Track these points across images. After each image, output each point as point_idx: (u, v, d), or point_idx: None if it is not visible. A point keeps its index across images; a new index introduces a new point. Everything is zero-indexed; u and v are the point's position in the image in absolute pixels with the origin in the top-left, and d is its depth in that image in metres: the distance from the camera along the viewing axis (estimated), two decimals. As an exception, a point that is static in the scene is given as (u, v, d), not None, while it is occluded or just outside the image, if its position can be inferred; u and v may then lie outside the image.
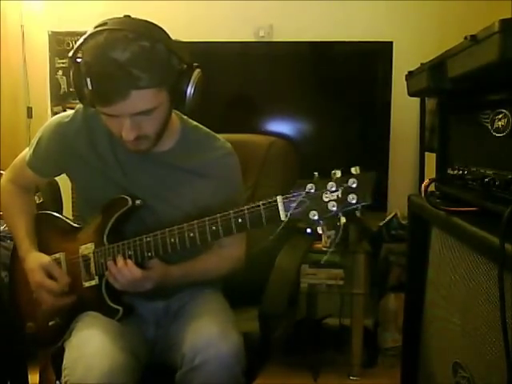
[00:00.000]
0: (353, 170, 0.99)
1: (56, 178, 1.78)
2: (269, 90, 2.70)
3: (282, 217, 1.03)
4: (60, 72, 2.84)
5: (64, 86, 2.84)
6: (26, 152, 1.42)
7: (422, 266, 1.36)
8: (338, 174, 1.00)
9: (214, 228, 1.12)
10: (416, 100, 2.62)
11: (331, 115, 2.70)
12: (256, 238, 1.38)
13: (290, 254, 1.65)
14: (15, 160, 1.47)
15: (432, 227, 1.31)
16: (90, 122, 1.31)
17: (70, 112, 1.35)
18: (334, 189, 1.00)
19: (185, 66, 1.16)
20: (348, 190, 0.99)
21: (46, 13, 2.86)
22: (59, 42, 2.81)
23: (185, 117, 1.37)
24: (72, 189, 1.47)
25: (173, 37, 1.17)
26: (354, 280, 2.37)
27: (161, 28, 1.15)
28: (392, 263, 2.50)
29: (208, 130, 1.39)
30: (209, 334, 1.19)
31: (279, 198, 1.04)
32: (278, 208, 1.04)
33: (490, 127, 1.04)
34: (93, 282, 1.29)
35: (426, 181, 1.23)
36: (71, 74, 1.14)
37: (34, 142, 1.39)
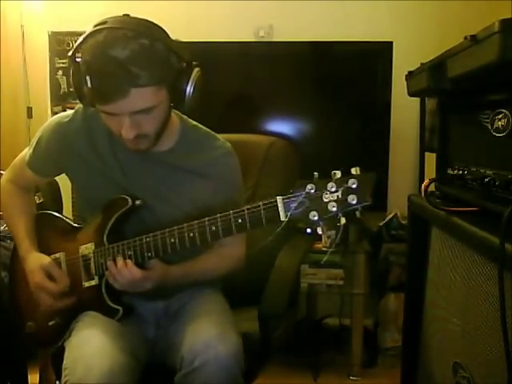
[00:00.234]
0: (353, 171, 0.99)
1: (56, 178, 1.78)
2: (269, 90, 2.70)
3: (282, 217, 1.03)
4: (60, 72, 2.84)
5: (64, 85, 2.84)
6: (26, 152, 1.42)
7: (422, 266, 1.36)
8: (338, 174, 1.00)
9: (213, 228, 1.12)
10: (416, 100, 2.62)
11: (331, 115, 2.70)
12: (256, 238, 1.38)
13: (289, 254, 1.65)
14: (15, 160, 1.47)
15: (432, 227, 1.31)
16: (90, 122, 1.31)
17: (69, 112, 1.35)
18: (334, 189, 1.00)
19: (184, 65, 1.16)
20: (348, 191, 0.99)
21: (46, 13, 2.86)
22: (59, 41, 2.81)
23: (184, 116, 1.37)
24: (72, 189, 1.47)
25: (173, 37, 1.17)
26: (354, 280, 2.37)
27: (160, 27, 1.15)
28: (392, 263, 2.50)
29: (208, 129, 1.39)
30: (207, 335, 1.18)
31: (279, 199, 1.04)
32: (277, 208, 1.04)
33: (489, 127, 1.04)
34: (93, 282, 1.30)
35: (426, 181, 1.23)
36: (71, 72, 1.14)
37: (33, 142, 1.39)
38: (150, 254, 1.20)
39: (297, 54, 2.68)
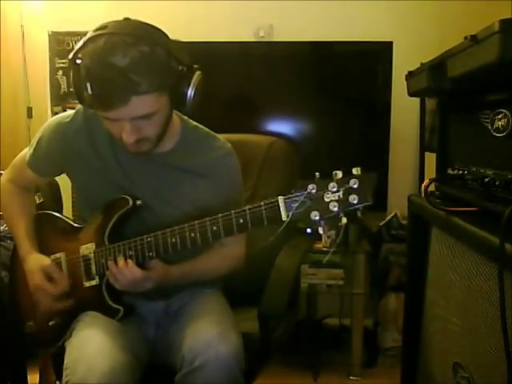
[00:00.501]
0: (354, 171, 1.00)
1: (56, 178, 1.78)
2: (269, 90, 2.70)
3: (284, 217, 1.03)
4: (60, 72, 2.84)
5: (64, 86, 2.84)
6: (26, 152, 1.41)
7: (422, 266, 1.36)
8: (339, 174, 1.00)
9: (215, 228, 1.12)
10: (416, 100, 2.62)
11: (331, 115, 2.70)
12: (256, 238, 1.38)
13: (289, 255, 1.65)
14: (15, 160, 1.47)
15: (432, 227, 1.31)
16: (91, 123, 1.31)
17: (70, 112, 1.35)
18: (335, 189, 1.00)
19: (185, 69, 1.16)
20: (349, 191, 0.99)
21: (46, 13, 2.86)
22: (59, 41, 2.81)
23: (185, 117, 1.37)
24: (72, 189, 1.47)
25: (173, 37, 1.16)
26: (354, 280, 2.37)
27: (160, 30, 1.14)
28: (392, 263, 2.50)
29: (208, 130, 1.39)
30: (208, 335, 1.19)
31: (280, 199, 1.04)
32: (279, 208, 1.04)
33: (490, 127, 1.04)
34: (93, 282, 1.30)
35: (426, 181, 1.23)
36: (71, 76, 1.14)
37: (33, 142, 1.38)
38: (151, 254, 1.20)
39: (297, 53, 2.68)
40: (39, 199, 1.91)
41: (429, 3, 2.64)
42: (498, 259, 0.88)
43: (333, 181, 1.00)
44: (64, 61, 2.78)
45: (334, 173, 1.01)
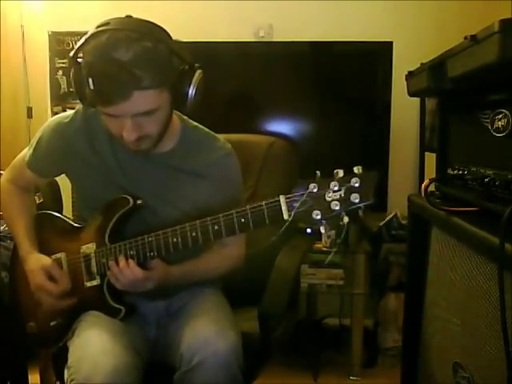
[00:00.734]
0: (355, 170, 1.00)
1: (56, 178, 1.77)
2: (269, 90, 2.70)
3: (285, 216, 1.03)
4: (60, 72, 2.84)
5: (64, 86, 2.84)
6: (25, 152, 1.41)
7: (422, 266, 1.36)
8: (341, 173, 1.00)
9: (216, 227, 1.12)
10: (416, 100, 2.62)
11: (331, 115, 2.70)
12: (256, 238, 1.38)
13: (289, 255, 1.65)
14: (14, 160, 1.47)
15: (432, 227, 1.31)
16: (90, 122, 1.31)
17: (69, 112, 1.35)
18: (336, 188, 1.00)
19: (186, 67, 1.16)
20: (351, 190, 0.99)
21: (46, 13, 2.86)
22: (59, 41, 2.81)
23: (185, 117, 1.37)
24: (72, 189, 1.47)
25: (173, 37, 1.17)
26: (354, 280, 2.37)
27: (162, 28, 1.15)
28: (392, 263, 2.50)
29: (208, 130, 1.39)
30: (206, 333, 1.19)
31: (282, 198, 1.04)
32: (280, 208, 1.04)
33: (489, 127, 1.04)
34: (94, 282, 1.29)
35: (426, 181, 1.23)
36: (71, 73, 1.14)
37: (33, 142, 1.38)
38: (152, 254, 1.20)
39: (296, 53, 2.68)
40: (39, 199, 1.91)
41: (428, 3, 2.64)
42: (498, 259, 0.88)
43: (334, 180, 1.00)
44: (64, 61, 2.78)
45: (335, 172, 1.01)
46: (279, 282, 1.50)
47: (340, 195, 1.00)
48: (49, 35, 2.82)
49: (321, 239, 2.30)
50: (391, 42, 2.57)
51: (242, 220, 1.09)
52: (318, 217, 1.01)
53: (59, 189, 2.11)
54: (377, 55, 2.63)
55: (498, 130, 1.01)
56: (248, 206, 1.08)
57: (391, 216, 2.51)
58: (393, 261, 2.50)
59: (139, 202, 1.27)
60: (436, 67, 1.17)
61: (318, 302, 2.74)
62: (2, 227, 1.92)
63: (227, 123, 1.79)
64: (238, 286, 1.47)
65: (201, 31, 2.69)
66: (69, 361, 1.21)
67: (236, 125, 2.22)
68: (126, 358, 1.16)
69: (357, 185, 0.98)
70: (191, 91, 1.16)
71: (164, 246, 1.18)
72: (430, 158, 2.41)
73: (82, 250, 1.32)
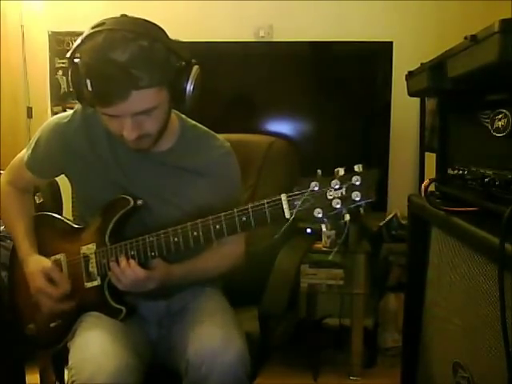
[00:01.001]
0: (356, 168, 1.00)
1: (56, 178, 1.77)
2: (269, 90, 2.70)
3: (287, 215, 1.03)
4: (60, 72, 2.84)
5: (64, 86, 2.84)
6: (24, 153, 1.41)
7: (422, 266, 1.36)
8: (342, 171, 1.00)
9: (218, 227, 1.12)
10: (416, 100, 2.62)
11: (331, 115, 2.70)
12: (256, 237, 1.39)
13: (289, 254, 1.65)
14: (13, 161, 1.46)
15: (432, 227, 1.31)
16: (89, 122, 1.30)
17: (68, 112, 1.35)
18: (337, 186, 1.00)
19: (183, 64, 1.16)
20: (352, 188, 0.99)
21: (46, 13, 2.86)
22: (59, 42, 2.81)
23: (183, 116, 1.37)
24: (72, 189, 1.47)
25: (173, 37, 1.17)
26: (353, 280, 2.37)
27: (158, 26, 1.15)
28: (392, 263, 2.50)
29: (207, 129, 1.39)
30: (213, 341, 1.18)
31: (283, 197, 1.04)
32: (282, 206, 1.04)
33: (490, 127, 1.04)
34: (95, 283, 1.29)
35: (426, 181, 1.23)
36: (70, 74, 1.14)
37: (32, 143, 1.38)
38: (153, 254, 1.20)
39: (297, 54, 2.68)
40: (39, 200, 1.91)
41: (429, 3, 2.64)
42: (498, 259, 0.88)
43: (335, 178, 1.00)
44: (64, 61, 2.78)
45: (336, 170, 1.01)
46: (279, 281, 1.50)
47: (341, 193, 1.00)
48: (49, 35, 2.82)
49: (321, 239, 2.30)
50: (391, 42, 2.57)
51: (244, 219, 1.08)
52: (320, 215, 1.01)
53: (59, 189, 2.11)
54: (377, 55, 2.63)
55: (498, 130, 1.01)
56: (249, 205, 1.08)
57: (391, 216, 2.51)
58: (393, 261, 2.50)
59: (139, 202, 1.27)
60: (436, 67, 1.17)
61: (318, 302, 2.74)
62: (1, 227, 1.92)
63: (227, 123, 1.79)
64: (238, 286, 1.47)
65: (201, 31, 2.69)
66: (70, 362, 1.21)
67: (236, 125, 2.23)
68: (127, 359, 1.16)
69: (358, 183, 0.99)
70: (189, 87, 1.16)
71: (165, 245, 1.18)
72: (430, 158, 2.40)
73: (81, 251, 1.31)
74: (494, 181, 1.00)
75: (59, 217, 1.46)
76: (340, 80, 2.67)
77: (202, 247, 1.31)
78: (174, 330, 1.33)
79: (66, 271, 1.34)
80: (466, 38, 0.96)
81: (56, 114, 1.47)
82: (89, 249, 1.30)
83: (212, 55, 2.54)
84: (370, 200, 0.99)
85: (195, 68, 1.17)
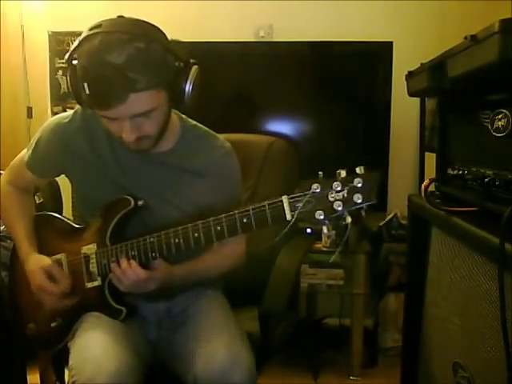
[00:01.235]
0: (357, 170, 0.99)
1: (56, 178, 1.77)
2: (269, 90, 2.70)
3: (288, 217, 1.03)
4: (60, 72, 2.84)
5: (64, 86, 2.84)
6: (24, 153, 1.41)
7: (422, 266, 1.36)
8: (343, 173, 1.00)
9: (218, 228, 1.11)
10: (416, 100, 2.62)
11: (331, 115, 2.70)
12: (258, 237, 1.38)
13: (290, 254, 1.65)
14: (13, 161, 1.46)
15: (432, 227, 1.31)
16: (89, 122, 1.30)
17: (68, 113, 1.35)
18: (339, 188, 1.00)
19: (182, 64, 1.15)
20: (354, 190, 0.99)
21: (46, 13, 2.86)
22: (59, 42, 2.81)
23: (184, 116, 1.37)
24: (72, 189, 1.47)
25: (173, 37, 1.16)
26: (353, 280, 2.37)
27: (156, 27, 1.14)
28: (392, 263, 2.50)
29: (207, 129, 1.39)
30: (221, 361, 1.16)
31: (285, 198, 1.04)
32: (283, 208, 1.03)
33: (490, 127, 1.04)
34: (95, 283, 1.29)
35: (426, 181, 1.23)
36: (68, 77, 1.14)
37: (32, 143, 1.38)
38: (153, 255, 1.20)
39: (297, 53, 2.68)
40: (39, 199, 1.91)
41: (429, 3, 2.64)
42: (498, 259, 0.88)
43: (337, 180, 1.00)
44: (64, 61, 2.77)
45: (337, 172, 1.01)
46: (280, 281, 1.51)
47: (343, 195, 1.00)
48: (49, 35, 2.82)
49: (321, 239, 2.30)
50: (391, 42, 2.57)
51: (245, 220, 1.08)
52: (321, 217, 1.01)
53: (59, 189, 2.12)
54: (377, 55, 2.63)
55: (498, 130, 1.01)
56: (250, 207, 1.07)
57: (391, 216, 2.51)
58: (393, 261, 2.50)
59: (140, 202, 1.27)
60: (436, 67, 1.17)
61: (318, 302, 2.74)
62: (2, 227, 1.92)
63: (227, 123, 1.79)
64: (239, 286, 1.47)
65: (201, 31, 2.69)
66: (70, 362, 1.20)
67: (236, 125, 2.22)
68: (128, 360, 1.16)
69: (359, 185, 0.98)
70: (188, 88, 1.15)
71: (166, 246, 1.18)
72: (430, 158, 2.40)
73: (82, 251, 1.31)
74: (494, 181, 1.00)
75: (60, 216, 1.46)
76: (340, 80, 2.68)
77: (203, 248, 1.31)
78: (177, 334, 1.32)
79: (66, 271, 1.34)
80: (466, 38, 0.96)
81: (56, 114, 1.47)
82: (89, 249, 1.30)
83: (212, 55, 2.54)
84: (371, 202, 0.99)
85: (194, 68, 1.17)
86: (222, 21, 2.75)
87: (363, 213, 1.00)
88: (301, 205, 1.02)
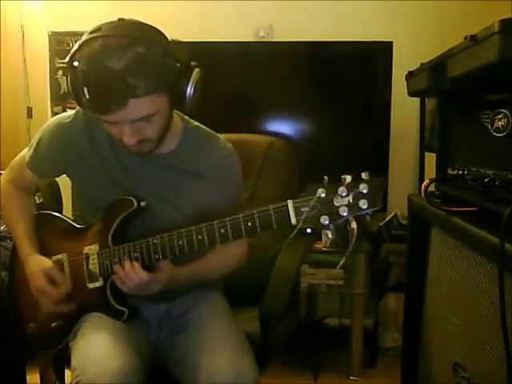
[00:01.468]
0: (363, 175, 0.99)
1: (56, 178, 1.77)
2: (269, 90, 2.70)
3: (293, 221, 1.03)
4: (60, 72, 2.84)
5: (64, 86, 2.84)
6: (25, 153, 1.41)
7: (422, 265, 1.36)
8: (349, 178, 1.00)
9: (223, 231, 1.11)
10: (416, 100, 2.62)
11: (331, 115, 2.70)
12: (262, 244, 1.38)
13: (290, 255, 1.65)
14: (13, 161, 1.46)
15: (432, 227, 1.31)
16: (91, 123, 1.30)
17: (70, 113, 1.35)
18: (344, 194, 0.99)
19: (183, 67, 1.14)
20: (359, 196, 0.98)
21: (46, 13, 2.85)
22: (59, 42, 2.80)
23: (186, 117, 1.36)
24: (72, 188, 1.47)
25: (173, 37, 1.16)
26: (353, 280, 2.37)
27: (156, 29, 1.13)
28: (392, 263, 2.50)
29: (209, 130, 1.38)
30: (226, 374, 1.17)
31: (290, 203, 1.03)
32: (288, 212, 1.03)
33: (489, 127, 1.04)
34: (97, 284, 1.29)
35: (426, 181, 1.23)
36: (69, 79, 1.13)
37: (33, 143, 1.38)
38: (157, 256, 1.19)
39: (297, 54, 2.68)
40: (39, 199, 1.91)
41: (429, 3, 2.64)
42: (498, 259, 0.88)
43: (342, 185, 1.00)
44: (64, 61, 2.77)
45: (342, 177, 1.00)
46: (280, 281, 1.51)
47: (348, 201, 0.99)
48: (49, 35, 2.81)
49: (321, 239, 2.30)
50: (391, 42, 2.56)
51: (249, 224, 1.07)
52: (326, 222, 1.01)
53: (59, 189, 2.12)
54: (377, 55, 2.63)
55: (498, 130, 1.01)
56: (255, 210, 1.07)
57: (391, 216, 2.51)
58: (393, 261, 2.50)
59: (143, 203, 1.26)
60: (436, 67, 1.17)
61: (318, 302, 2.74)
62: (2, 227, 1.92)
63: (227, 123, 1.79)
64: (239, 286, 1.47)
65: (201, 31, 2.69)
66: (73, 363, 1.20)
67: (236, 124, 2.23)
68: (131, 359, 1.16)
69: (365, 191, 0.98)
70: (189, 91, 1.14)
71: (169, 248, 1.17)
72: (430, 158, 2.40)
73: (84, 251, 1.31)
74: (494, 181, 1.00)
75: (61, 216, 1.45)
76: (340, 80, 2.67)
77: (206, 250, 1.30)
78: (177, 338, 1.32)
79: (67, 271, 1.34)
80: (466, 38, 0.96)
81: (56, 113, 1.47)
82: (91, 249, 1.30)
83: (212, 55, 2.54)
84: (376, 208, 0.99)
85: (196, 71, 1.16)
86: (222, 21, 2.75)
87: (368, 218, 1.00)
88: (306, 209, 1.01)
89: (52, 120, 1.37)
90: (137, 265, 1.18)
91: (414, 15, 2.69)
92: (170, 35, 1.16)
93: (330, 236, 1.05)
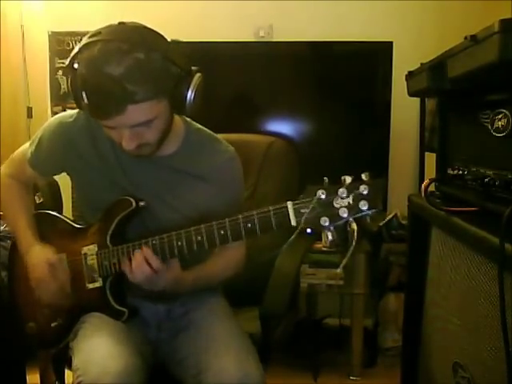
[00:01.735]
0: (363, 176, 0.98)
1: (56, 178, 1.77)
2: (269, 90, 2.70)
3: (293, 223, 1.02)
4: (60, 72, 2.84)
5: (64, 86, 2.84)
6: (26, 148, 1.39)
7: (422, 266, 1.36)
8: (349, 179, 0.99)
9: (222, 232, 1.10)
10: (416, 100, 2.62)
11: (331, 115, 2.70)
12: (259, 241, 1.38)
13: (290, 255, 1.65)
14: (14, 155, 1.45)
15: (432, 227, 1.31)
16: (93, 123, 1.29)
17: (72, 112, 1.34)
18: (344, 195, 0.99)
19: (183, 72, 1.13)
20: (359, 197, 0.98)
21: (46, 13, 2.85)
22: (59, 42, 2.80)
23: (188, 119, 1.35)
24: (72, 188, 1.47)
25: (173, 37, 1.15)
26: (353, 280, 2.37)
27: (157, 33, 1.12)
28: (392, 263, 2.50)
29: (211, 132, 1.37)
30: (232, 376, 1.16)
31: (290, 204, 1.03)
32: (288, 214, 1.03)
33: (489, 127, 1.04)
34: (96, 284, 1.28)
35: (426, 181, 1.23)
36: (69, 82, 1.13)
37: (35, 140, 1.37)
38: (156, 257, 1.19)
39: (297, 54, 2.68)
40: (39, 199, 1.91)
41: (429, 3, 2.64)
42: (498, 259, 0.88)
43: (342, 186, 0.99)
44: (64, 61, 2.78)
45: (342, 178, 1.00)
46: (280, 281, 1.51)
47: (348, 202, 0.99)
48: (49, 35, 2.81)
49: (321, 239, 2.29)
50: (391, 42, 2.56)
51: (249, 225, 1.07)
52: (326, 223, 1.00)
53: (59, 189, 2.11)
54: (377, 55, 2.63)
55: (498, 130, 1.01)
56: (255, 212, 1.06)
57: (391, 216, 2.51)
58: (393, 261, 2.50)
59: (142, 203, 1.26)
60: (436, 67, 1.17)
61: (318, 302, 2.74)
62: (1, 227, 1.92)
63: (227, 123, 1.79)
64: (239, 286, 1.47)
65: (201, 31, 2.69)
66: (74, 363, 1.20)
67: (236, 124, 2.23)
68: (132, 359, 1.16)
69: (365, 192, 0.97)
70: (190, 96, 1.13)
71: (169, 249, 1.16)
72: (430, 158, 2.40)
73: (82, 251, 1.31)
74: (494, 181, 1.00)
75: (60, 216, 1.45)
76: (340, 80, 2.67)
77: (206, 252, 1.29)
78: (178, 339, 1.32)
79: (67, 271, 1.34)
80: (466, 38, 0.96)
81: (56, 113, 1.46)
82: (90, 250, 1.29)
83: (212, 55, 2.54)
84: (377, 209, 0.98)
85: (197, 76, 1.14)
86: (222, 21, 2.75)
87: (368, 219, 0.99)
88: (306, 211, 1.01)
89: (54, 118, 1.36)
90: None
91: (414, 15, 2.69)
92: (170, 35, 1.15)
93: (330, 237, 1.04)
